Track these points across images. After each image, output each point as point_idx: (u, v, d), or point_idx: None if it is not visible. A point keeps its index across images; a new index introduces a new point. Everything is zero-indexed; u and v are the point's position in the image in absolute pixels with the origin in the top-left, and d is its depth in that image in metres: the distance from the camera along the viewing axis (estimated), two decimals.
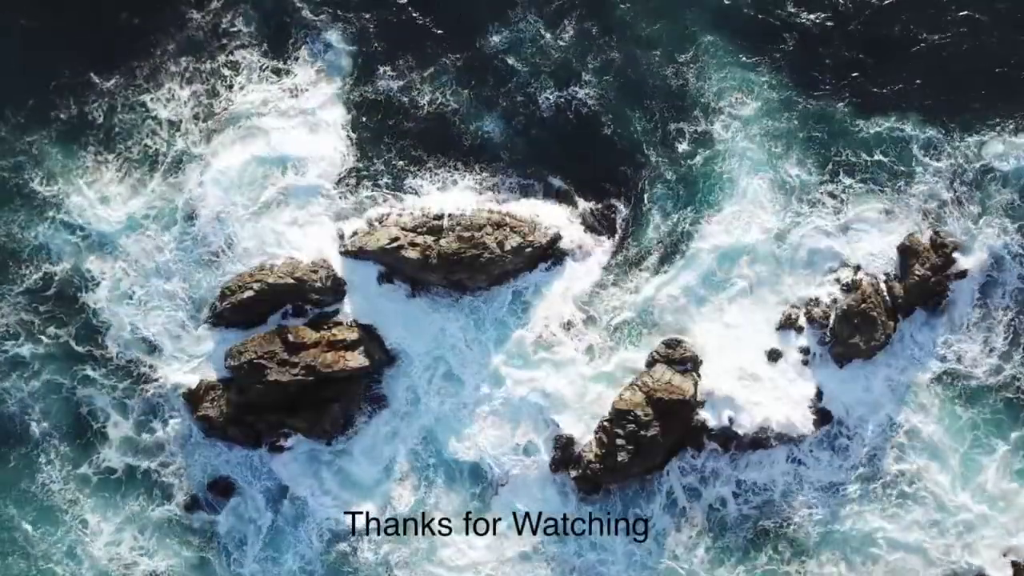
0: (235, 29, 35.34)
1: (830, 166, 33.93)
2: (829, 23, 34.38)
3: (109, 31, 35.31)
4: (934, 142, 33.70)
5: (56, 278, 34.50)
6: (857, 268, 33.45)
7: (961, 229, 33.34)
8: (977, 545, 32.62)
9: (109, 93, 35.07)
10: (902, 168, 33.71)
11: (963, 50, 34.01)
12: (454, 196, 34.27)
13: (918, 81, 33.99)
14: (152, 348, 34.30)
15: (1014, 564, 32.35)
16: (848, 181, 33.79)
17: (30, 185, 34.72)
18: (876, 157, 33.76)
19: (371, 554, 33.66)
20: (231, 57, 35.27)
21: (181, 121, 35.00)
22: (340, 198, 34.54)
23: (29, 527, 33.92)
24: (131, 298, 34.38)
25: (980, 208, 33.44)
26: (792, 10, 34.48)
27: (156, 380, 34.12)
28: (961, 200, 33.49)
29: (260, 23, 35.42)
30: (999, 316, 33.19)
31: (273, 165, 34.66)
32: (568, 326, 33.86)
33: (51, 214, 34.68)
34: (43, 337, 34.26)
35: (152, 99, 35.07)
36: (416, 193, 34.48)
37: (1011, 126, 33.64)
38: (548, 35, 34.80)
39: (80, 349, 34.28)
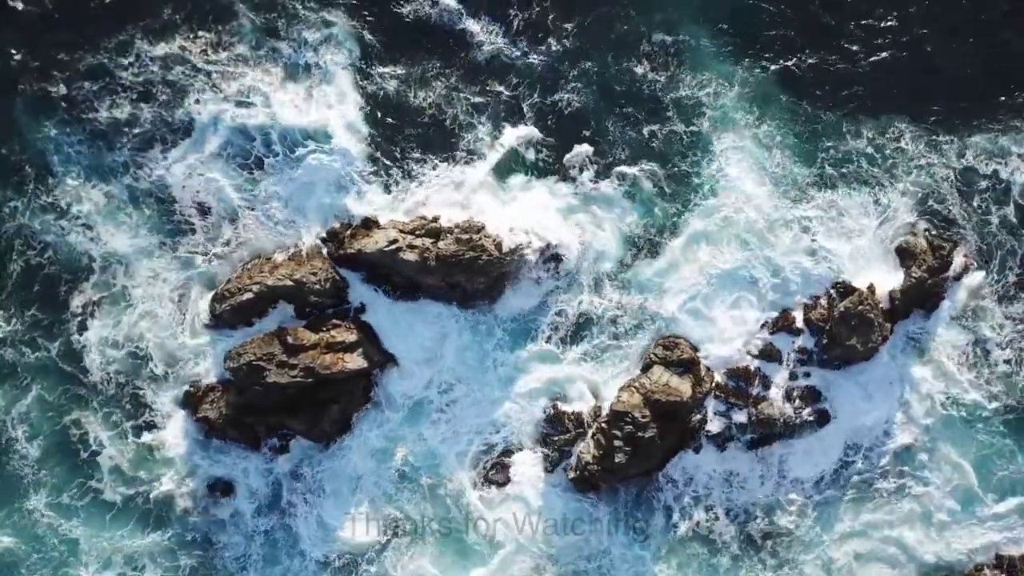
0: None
1: (818, 162, 33.87)
2: (813, 18, 34.40)
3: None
4: (922, 140, 33.66)
5: (40, 269, 34.18)
6: (851, 270, 33.52)
7: (953, 230, 33.42)
8: (970, 547, 32.86)
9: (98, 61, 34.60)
10: (891, 164, 33.65)
11: (950, 51, 34.04)
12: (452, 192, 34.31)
13: (905, 79, 33.99)
14: (145, 351, 34.22)
15: (1009, 560, 32.60)
16: (835, 176, 33.72)
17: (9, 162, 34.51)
18: (864, 153, 33.70)
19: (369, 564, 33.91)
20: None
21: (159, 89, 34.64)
22: (357, 178, 34.37)
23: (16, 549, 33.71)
24: (122, 298, 34.29)
25: (972, 209, 33.49)
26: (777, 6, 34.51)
27: (152, 383, 34.17)
28: (953, 201, 33.50)
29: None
30: (994, 317, 33.32)
31: (269, 140, 34.51)
32: (570, 328, 34.00)
33: (34, 197, 34.34)
34: (25, 348, 34.09)
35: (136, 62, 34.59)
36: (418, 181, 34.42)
37: (999, 127, 33.62)
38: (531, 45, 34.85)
39: (66, 367, 34.08)
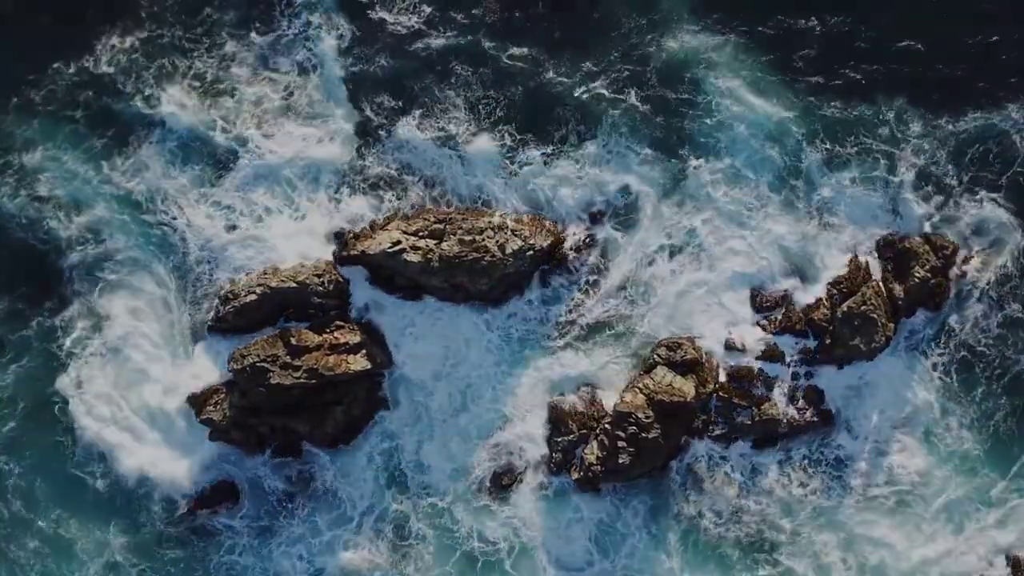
0: None
1: (816, 138, 33.80)
2: None
3: None
4: (913, 120, 33.56)
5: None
6: (849, 251, 33.54)
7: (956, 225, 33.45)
8: (971, 548, 32.71)
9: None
10: (892, 139, 33.53)
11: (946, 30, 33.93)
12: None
13: (897, 59, 33.84)
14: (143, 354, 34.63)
15: (1015, 561, 32.52)
16: (834, 156, 33.72)
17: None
18: (858, 130, 33.63)
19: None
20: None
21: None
22: (350, 173, 34.69)
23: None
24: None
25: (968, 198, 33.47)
26: None
27: (150, 385, 34.42)
28: (955, 185, 33.45)
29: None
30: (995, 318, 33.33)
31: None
32: (573, 327, 34.04)
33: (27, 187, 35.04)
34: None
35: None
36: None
37: (995, 108, 33.48)
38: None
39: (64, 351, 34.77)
